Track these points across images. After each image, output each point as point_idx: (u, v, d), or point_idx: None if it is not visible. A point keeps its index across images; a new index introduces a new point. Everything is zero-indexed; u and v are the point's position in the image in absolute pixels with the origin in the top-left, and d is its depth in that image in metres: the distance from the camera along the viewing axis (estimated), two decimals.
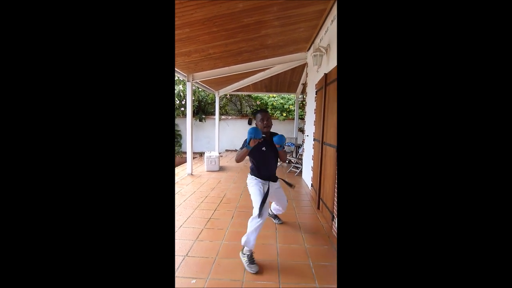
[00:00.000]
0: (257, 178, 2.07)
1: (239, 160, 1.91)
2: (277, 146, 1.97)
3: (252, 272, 1.79)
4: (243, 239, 1.89)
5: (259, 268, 1.82)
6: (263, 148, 1.98)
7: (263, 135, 1.91)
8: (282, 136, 1.96)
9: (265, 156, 2.02)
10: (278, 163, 2.18)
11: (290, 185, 2.34)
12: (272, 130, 2.07)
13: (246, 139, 1.87)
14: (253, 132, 1.76)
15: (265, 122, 1.96)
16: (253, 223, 1.87)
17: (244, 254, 1.89)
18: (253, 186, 2.05)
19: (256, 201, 1.95)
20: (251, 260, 1.84)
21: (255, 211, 1.90)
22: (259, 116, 1.98)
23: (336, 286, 1.68)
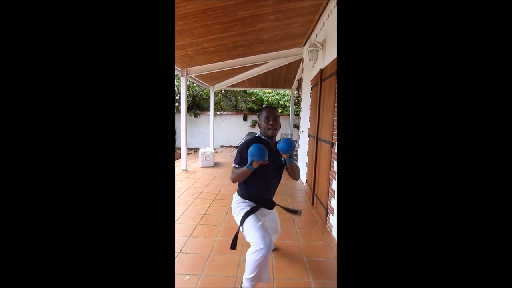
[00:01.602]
0: (246, 201, 1.50)
1: (236, 181, 1.40)
2: (284, 156, 1.36)
3: None
4: (247, 277, 1.38)
5: None
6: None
7: (267, 140, 1.44)
8: (288, 139, 1.34)
9: (266, 173, 1.42)
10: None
11: (295, 212, 1.65)
12: None
13: (241, 149, 1.38)
14: (257, 154, 1.22)
15: (271, 123, 1.41)
16: (256, 254, 1.30)
17: None
18: (242, 210, 1.46)
19: (253, 233, 1.35)
20: None
21: (256, 243, 1.32)
22: (264, 113, 1.44)
23: (329, 281, 1.69)
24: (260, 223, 1.39)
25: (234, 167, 1.40)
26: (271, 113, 1.43)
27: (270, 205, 1.56)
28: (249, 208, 1.45)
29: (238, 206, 1.51)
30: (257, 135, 1.50)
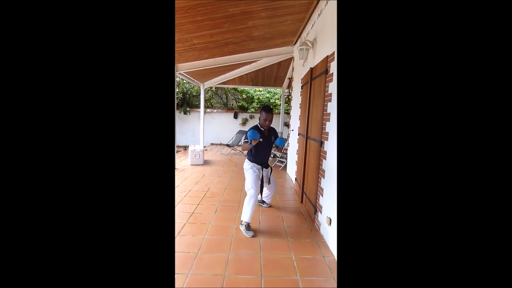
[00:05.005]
0: (253, 164, 2.53)
1: (244, 150, 2.53)
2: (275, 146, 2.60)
3: (249, 236, 2.30)
4: (243, 216, 2.45)
5: (254, 233, 2.33)
6: (260, 139, 2.47)
7: (262, 129, 2.51)
8: (281, 139, 2.56)
9: (263, 148, 2.51)
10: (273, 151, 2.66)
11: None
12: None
13: (247, 135, 2.41)
14: (252, 135, 2.35)
15: (267, 123, 2.45)
16: (249, 201, 2.40)
17: (242, 225, 2.41)
18: (249, 169, 2.51)
19: (249, 181, 2.46)
20: (248, 228, 2.37)
21: (250, 191, 2.43)
22: (263, 115, 2.42)
23: (316, 278, 1.71)
24: (255, 173, 2.48)
25: (244, 141, 2.47)
26: (269, 117, 2.43)
27: (266, 166, 2.62)
28: (255, 168, 2.51)
29: (247, 166, 2.54)
30: (256, 124, 2.51)
